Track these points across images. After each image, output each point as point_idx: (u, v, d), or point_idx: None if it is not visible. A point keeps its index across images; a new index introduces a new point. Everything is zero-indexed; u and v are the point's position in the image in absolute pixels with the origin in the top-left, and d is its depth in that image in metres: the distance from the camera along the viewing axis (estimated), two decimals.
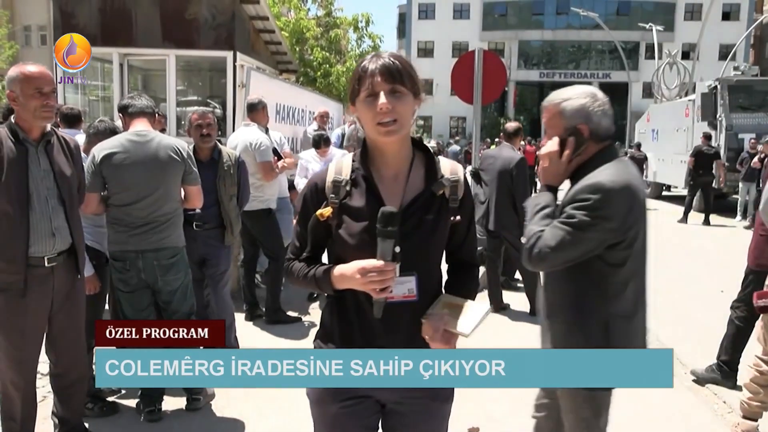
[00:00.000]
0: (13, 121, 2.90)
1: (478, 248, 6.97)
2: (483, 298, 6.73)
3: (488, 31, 48.72)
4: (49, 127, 3.02)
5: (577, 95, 2.26)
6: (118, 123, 4.08)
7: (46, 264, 2.93)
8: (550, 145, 2.27)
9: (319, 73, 18.18)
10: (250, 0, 8.72)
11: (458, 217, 1.83)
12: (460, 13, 49.46)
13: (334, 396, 1.82)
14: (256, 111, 5.76)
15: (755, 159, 12.83)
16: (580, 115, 2.23)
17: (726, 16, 45.15)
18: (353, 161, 1.81)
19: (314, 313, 5.88)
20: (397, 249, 1.65)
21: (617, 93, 45.48)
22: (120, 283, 3.66)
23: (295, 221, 1.90)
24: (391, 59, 1.71)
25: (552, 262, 2.19)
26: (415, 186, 1.79)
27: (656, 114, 20.11)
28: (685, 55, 36.45)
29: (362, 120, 1.74)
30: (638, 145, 19.35)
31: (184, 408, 3.83)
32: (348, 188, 1.77)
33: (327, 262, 1.86)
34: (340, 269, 1.74)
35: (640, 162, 18.44)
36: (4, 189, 2.80)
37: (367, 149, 1.81)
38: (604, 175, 2.14)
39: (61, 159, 3.01)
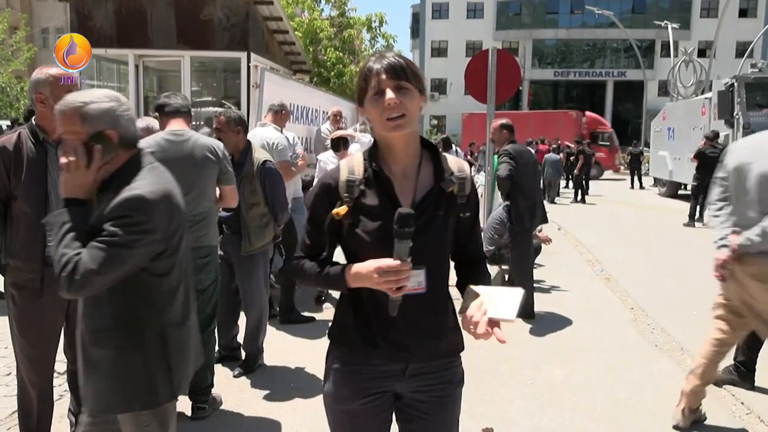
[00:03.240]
0: (33, 122, 2.94)
1: (491, 248, 6.97)
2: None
3: (502, 30, 48.59)
4: None
5: (101, 98, 2.08)
6: (151, 122, 4.13)
7: None
8: (75, 153, 2.03)
9: (332, 74, 18.18)
10: (264, 1, 8.75)
11: (467, 214, 1.87)
12: (474, 12, 49.37)
13: (355, 395, 1.86)
14: (277, 114, 5.80)
15: (692, 155, 12.20)
16: (107, 120, 2.06)
17: (743, 13, 44.69)
18: (364, 160, 1.83)
19: (328, 313, 5.90)
20: (410, 244, 1.67)
21: (633, 91, 45.28)
22: None
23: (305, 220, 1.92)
24: (395, 58, 1.75)
25: (97, 286, 1.98)
26: (425, 183, 1.82)
27: (672, 112, 19.94)
28: (702, 53, 36.09)
29: (371, 118, 1.77)
30: (578, 141, 19.54)
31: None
32: (362, 187, 1.79)
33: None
34: (355, 268, 1.75)
35: (568, 156, 18.75)
36: (23, 189, 2.84)
37: (376, 148, 1.84)
38: (141, 186, 2.03)
39: None
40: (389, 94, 1.70)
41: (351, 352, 1.86)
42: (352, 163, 1.84)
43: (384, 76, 1.71)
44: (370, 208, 1.78)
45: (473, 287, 1.79)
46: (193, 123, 4.27)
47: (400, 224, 1.65)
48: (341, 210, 1.77)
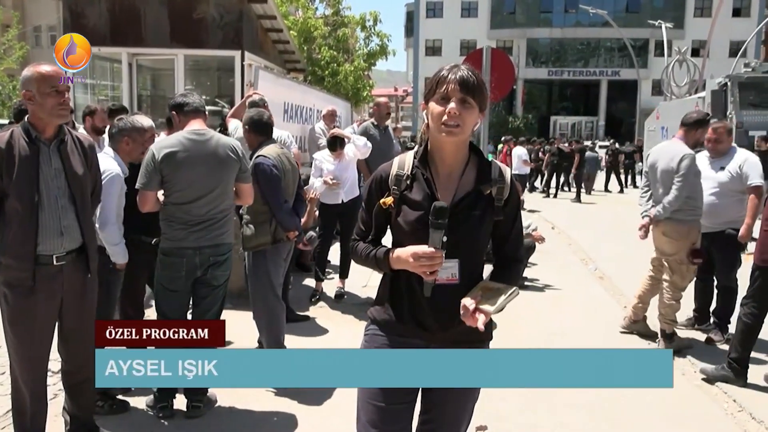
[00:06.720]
0: (26, 120, 2.93)
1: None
2: None
3: (496, 29, 48.56)
4: (66, 125, 3.05)
5: None
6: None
7: (54, 262, 2.94)
8: None
9: (327, 72, 18.16)
10: None
11: (503, 217, 2.04)
12: (468, 11, 49.32)
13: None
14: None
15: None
16: None
17: (736, 13, 44.79)
18: (414, 158, 2.04)
19: (321, 312, 5.90)
20: (444, 239, 1.89)
21: (627, 90, 45.34)
22: (166, 280, 3.69)
23: (360, 209, 2.17)
24: (470, 73, 1.93)
25: None
26: (467, 185, 2.02)
27: (666, 111, 19.96)
28: (695, 52, 36.20)
29: (431, 117, 1.95)
30: (576, 140, 20.82)
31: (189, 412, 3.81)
32: (408, 182, 2.01)
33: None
34: (397, 252, 1.98)
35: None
36: (15, 187, 2.83)
37: (427, 147, 2.05)
38: None
39: (74, 158, 3.02)
40: (453, 104, 1.89)
41: (382, 324, 2.10)
42: (404, 160, 2.07)
43: (455, 86, 1.90)
44: (412, 201, 2.00)
45: (484, 281, 2.02)
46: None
47: (435, 216, 1.87)
48: (388, 200, 2.02)
